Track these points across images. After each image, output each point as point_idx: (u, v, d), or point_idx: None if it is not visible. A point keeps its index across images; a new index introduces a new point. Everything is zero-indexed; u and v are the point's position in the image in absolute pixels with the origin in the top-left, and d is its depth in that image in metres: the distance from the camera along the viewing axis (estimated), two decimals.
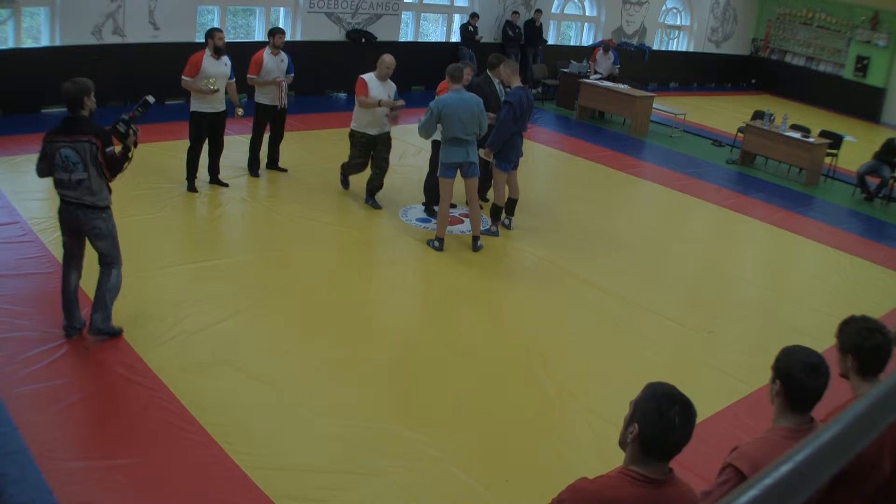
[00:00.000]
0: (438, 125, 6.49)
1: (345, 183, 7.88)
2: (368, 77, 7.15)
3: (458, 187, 6.83)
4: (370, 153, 7.37)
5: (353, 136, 7.32)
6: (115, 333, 4.68)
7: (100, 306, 4.61)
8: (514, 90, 6.88)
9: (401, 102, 7.23)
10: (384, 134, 7.32)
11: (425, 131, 6.62)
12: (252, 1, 11.51)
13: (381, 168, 7.39)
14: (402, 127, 9.25)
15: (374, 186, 7.46)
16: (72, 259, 4.64)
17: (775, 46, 18.91)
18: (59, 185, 4.46)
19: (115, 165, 4.45)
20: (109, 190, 4.55)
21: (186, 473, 3.64)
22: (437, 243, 6.67)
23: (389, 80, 7.24)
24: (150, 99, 4.87)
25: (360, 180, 7.78)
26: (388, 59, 7.19)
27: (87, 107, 4.44)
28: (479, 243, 6.77)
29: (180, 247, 6.32)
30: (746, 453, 2.27)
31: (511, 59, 7.44)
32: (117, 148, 4.51)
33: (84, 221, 4.48)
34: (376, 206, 7.47)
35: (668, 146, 11.99)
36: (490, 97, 7.06)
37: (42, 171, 4.53)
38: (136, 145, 4.61)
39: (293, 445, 3.92)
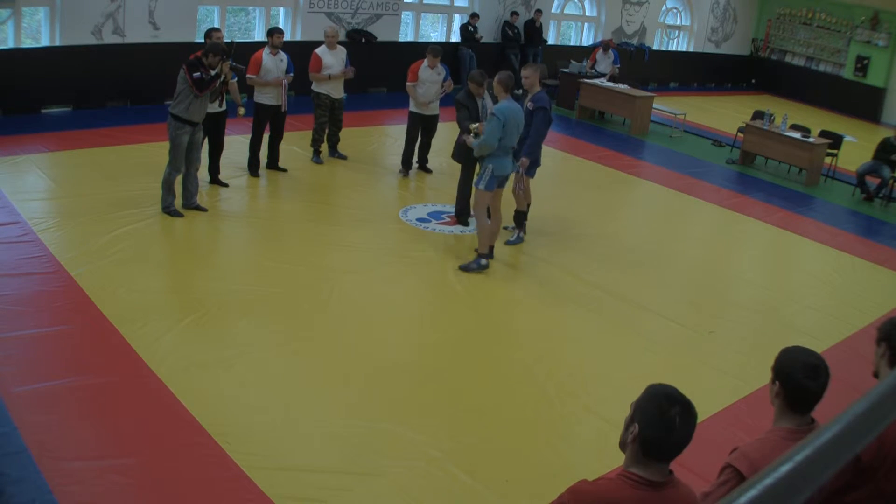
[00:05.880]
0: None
1: (317, 158, 8.64)
2: (321, 51, 8.30)
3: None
4: (330, 113, 8.47)
5: (318, 97, 8.39)
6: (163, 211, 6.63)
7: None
8: (540, 95, 6.76)
9: (350, 74, 8.39)
10: (343, 98, 8.54)
11: (490, 145, 5.96)
12: (252, 1, 11.51)
13: (338, 126, 8.65)
14: (401, 127, 9.22)
15: (334, 141, 8.76)
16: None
17: (775, 46, 18.91)
18: None
19: (200, 85, 6.28)
20: (197, 107, 6.38)
21: (186, 473, 3.64)
22: (484, 261, 6.34)
23: (339, 47, 8.39)
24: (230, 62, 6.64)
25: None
26: (328, 29, 8.57)
27: (209, 56, 6.38)
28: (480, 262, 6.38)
29: (179, 247, 6.32)
30: (746, 454, 2.27)
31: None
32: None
33: None
34: (342, 156, 8.79)
35: (668, 146, 11.99)
36: (474, 113, 6.84)
37: None
38: (223, 78, 6.53)
39: (293, 445, 3.92)
